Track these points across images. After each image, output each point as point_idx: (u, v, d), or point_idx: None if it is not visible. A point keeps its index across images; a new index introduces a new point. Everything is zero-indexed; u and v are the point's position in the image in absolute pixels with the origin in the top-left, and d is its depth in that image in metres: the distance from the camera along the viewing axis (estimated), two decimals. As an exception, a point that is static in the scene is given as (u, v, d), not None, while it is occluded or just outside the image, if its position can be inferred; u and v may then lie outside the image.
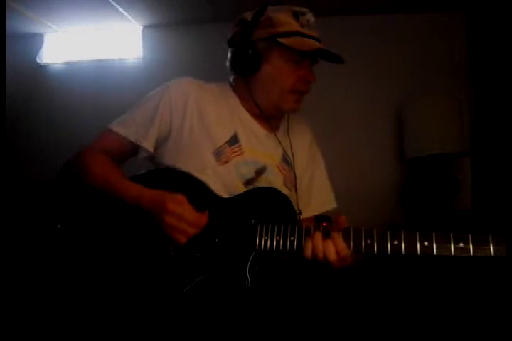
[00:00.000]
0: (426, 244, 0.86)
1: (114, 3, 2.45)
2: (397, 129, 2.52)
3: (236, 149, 1.09)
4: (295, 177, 1.14)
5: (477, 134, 2.40)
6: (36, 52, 2.85)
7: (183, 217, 0.93)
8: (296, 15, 1.06)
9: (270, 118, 1.16)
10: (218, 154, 1.07)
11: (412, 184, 2.41)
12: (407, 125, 2.37)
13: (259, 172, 1.10)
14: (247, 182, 1.07)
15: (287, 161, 1.15)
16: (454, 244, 0.84)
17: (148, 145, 1.09)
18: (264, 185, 1.06)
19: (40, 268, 1.20)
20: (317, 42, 1.06)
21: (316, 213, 1.19)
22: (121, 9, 2.54)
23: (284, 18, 1.05)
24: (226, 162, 1.07)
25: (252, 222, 0.97)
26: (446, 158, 2.27)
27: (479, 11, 2.41)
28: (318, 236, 0.90)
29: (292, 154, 1.15)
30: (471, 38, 2.50)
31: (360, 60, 2.53)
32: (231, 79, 1.17)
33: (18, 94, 2.72)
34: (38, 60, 2.85)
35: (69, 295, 1.02)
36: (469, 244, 0.84)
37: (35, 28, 2.77)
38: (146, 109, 1.11)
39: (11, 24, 2.59)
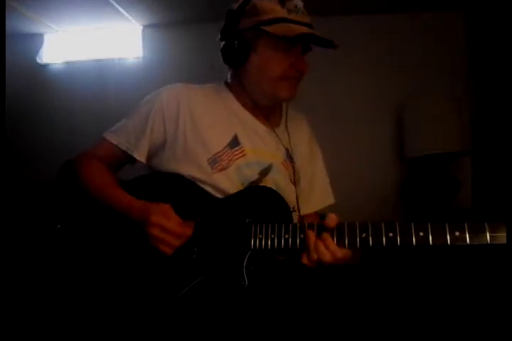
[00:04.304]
0: (421, 234, 0.84)
1: (114, 3, 2.45)
2: (397, 129, 2.52)
3: (238, 152, 1.06)
4: (294, 172, 1.13)
5: (477, 134, 2.40)
6: (36, 52, 2.85)
7: (167, 228, 0.92)
8: (282, 1, 1.01)
9: (269, 113, 1.14)
10: (214, 162, 1.04)
11: (412, 184, 2.41)
12: (407, 125, 2.37)
13: (264, 172, 1.08)
14: (250, 185, 1.06)
15: (290, 157, 1.13)
16: (450, 233, 0.83)
17: (139, 155, 1.08)
18: (271, 186, 1.04)
19: (39, 268, 1.20)
20: (304, 27, 1.00)
21: (316, 209, 1.19)
22: (121, 9, 2.54)
23: (268, 5, 1.01)
24: (223, 169, 1.04)
25: (247, 221, 0.97)
26: (446, 158, 2.27)
27: (479, 11, 2.41)
28: (312, 236, 0.90)
29: (292, 149, 1.14)
30: (471, 38, 2.50)
31: (360, 60, 2.52)
32: (228, 77, 1.15)
33: (18, 94, 2.72)
34: (38, 60, 2.85)
35: (68, 295, 1.02)
36: (465, 233, 0.82)
37: (35, 28, 2.77)
38: (137, 118, 1.09)
39: (11, 24, 2.58)
